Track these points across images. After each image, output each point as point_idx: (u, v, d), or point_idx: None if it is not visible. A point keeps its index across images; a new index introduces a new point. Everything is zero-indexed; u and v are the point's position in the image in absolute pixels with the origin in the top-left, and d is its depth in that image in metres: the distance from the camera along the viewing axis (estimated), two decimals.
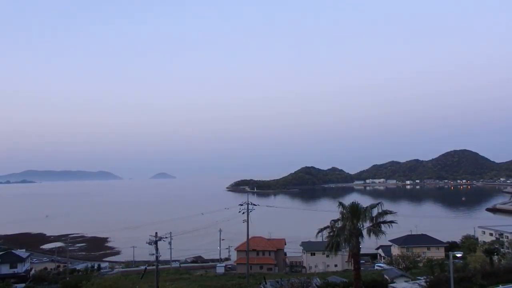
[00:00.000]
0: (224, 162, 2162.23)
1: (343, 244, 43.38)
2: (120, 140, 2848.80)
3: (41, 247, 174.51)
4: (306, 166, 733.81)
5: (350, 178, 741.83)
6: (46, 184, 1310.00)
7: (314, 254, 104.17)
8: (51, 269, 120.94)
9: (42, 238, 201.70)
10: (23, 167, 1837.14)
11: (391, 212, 43.47)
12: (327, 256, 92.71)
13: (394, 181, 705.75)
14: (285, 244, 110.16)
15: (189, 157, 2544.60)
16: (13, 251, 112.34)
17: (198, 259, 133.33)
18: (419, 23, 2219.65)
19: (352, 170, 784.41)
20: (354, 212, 42.95)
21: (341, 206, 44.56)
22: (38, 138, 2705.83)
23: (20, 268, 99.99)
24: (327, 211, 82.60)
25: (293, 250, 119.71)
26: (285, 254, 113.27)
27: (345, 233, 42.37)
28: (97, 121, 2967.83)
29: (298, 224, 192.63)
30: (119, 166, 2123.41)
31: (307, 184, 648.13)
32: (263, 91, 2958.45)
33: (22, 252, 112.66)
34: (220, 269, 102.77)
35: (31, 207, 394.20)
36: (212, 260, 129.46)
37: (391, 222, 42.71)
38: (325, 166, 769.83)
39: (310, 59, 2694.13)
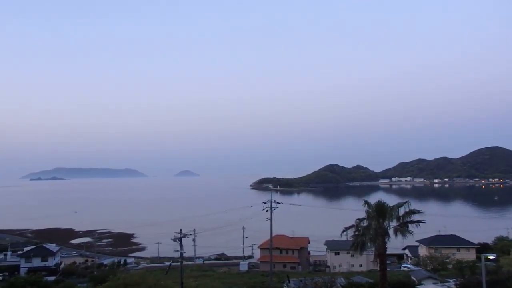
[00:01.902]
0: (248, 160, 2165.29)
1: (369, 244, 42.63)
2: (145, 138, 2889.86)
3: (70, 242, 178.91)
4: (329, 164, 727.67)
5: (375, 176, 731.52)
6: (75, 181, 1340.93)
7: (338, 254, 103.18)
8: (79, 263, 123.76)
9: (71, 233, 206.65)
10: (53, 165, 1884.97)
11: (418, 212, 42.47)
12: (352, 255, 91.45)
13: (421, 180, 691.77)
14: (309, 243, 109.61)
15: (213, 155, 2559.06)
16: (44, 245, 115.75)
17: (221, 256, 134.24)
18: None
19: (377, 168, 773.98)
20: (380, 211, 42.15)
21: (366, 205, 43.78)
22: (67, 137, 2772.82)
23: (51, 262, 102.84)
24: (351, 210, 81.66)
25: (316, 249, 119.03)
26: (309, 252, 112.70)
27: (371, 232, 41.68)
28: (123, 120, 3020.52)
29: (322, 223, 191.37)
30: (144, 164, 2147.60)
31: (331, 182, 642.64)
32: (285, 87, 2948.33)
33: (52, 246, 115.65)
34: (243, 267, 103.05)
35: (60, 203, 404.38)
36: (236, 258, 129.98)
37: (419, 221, 41.73)
38: (349, 164, 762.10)
39: (330, 51, 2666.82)
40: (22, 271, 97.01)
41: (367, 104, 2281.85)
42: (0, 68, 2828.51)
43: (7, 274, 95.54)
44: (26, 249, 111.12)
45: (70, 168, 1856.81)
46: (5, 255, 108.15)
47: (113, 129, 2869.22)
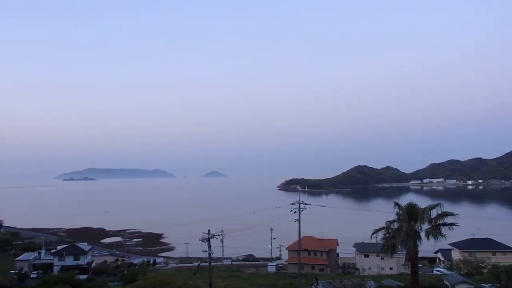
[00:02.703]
0: (276, 160, 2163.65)
1: (399, 247, 41.73)
2: (175, 139, 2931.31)
3: (101, 241, 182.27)
4: (358, 165, 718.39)
5: (406, 177, 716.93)
6: (106, 181, 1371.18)
7: (367, 256, 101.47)
8: (110, 262, 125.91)
9: (102, 232, 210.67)
10: (85, 165, 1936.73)
11: (451, 214, 41.16)
12: (382, 258, 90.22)
13: (454, 181, 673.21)
14: (338, 245, 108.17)
15: (240, 155, 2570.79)
16: (76, 244, 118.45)
17: (249, 257, 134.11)
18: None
19: (407, 169, 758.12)
20: (411, 213, 41.17)
21: (397, 207, 42.90)
22: (99, 138, 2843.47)
23: (83, 260, 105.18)
24: (381, 212, 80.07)
25: (345, 251, 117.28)
26: (338, 254, 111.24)
27: (402, 235, 40.75)
28: (153, 121, 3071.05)
29: (351, 225, 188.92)
30: (173, 164, 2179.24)
31: (360, 183, 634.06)
32: (311, 86, 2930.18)
33: (84, 245, 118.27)
34: (271, 268, 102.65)
35: (92, 203, 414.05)
36: (263, 259, 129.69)
37: (452, 224, 40.50)
38: (378, 165, 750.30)
39: (356, 50, 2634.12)
40: (56, 269, 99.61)
41: (397, 103, 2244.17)
42: (36, 72, 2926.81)
43: (41, 272, 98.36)
44: (59, 247, 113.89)
45: (101, 168, 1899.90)
46: (39, 253, 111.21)
47: (143, 131, 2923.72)
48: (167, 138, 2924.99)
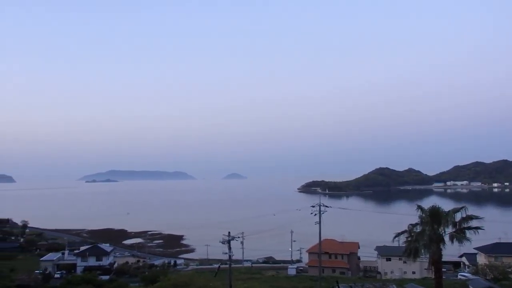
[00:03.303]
0: (295, 162, 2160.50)
1: (422, 250, 40.99)
2: (195, 141, 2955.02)
3: (122, 242, 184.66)
4: (380, 167, 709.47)
5: (429, 179, 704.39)
6: (127, 183, 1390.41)
7: (389, 260, 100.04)
8: (131, 263, 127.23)
9: (124, 233, 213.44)
10: (108, 167, 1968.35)
11: (476, 217, 40.22)
12: (404, 262, 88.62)
13: (479, 183, 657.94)
14: (359, 248, 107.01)
15: (260, 157, 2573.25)
16: (98, 245, 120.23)
17: (269, 260, 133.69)
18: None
19: (430, 171, 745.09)
20: (435, 216, 40.33)
21: (420, 210, 42.11)
22: (120, 140, 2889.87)
23: (105, 261, 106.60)
24: (403, 215, 79.00)
25: (367, 254, 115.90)
26: (359, 258, 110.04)
27: (425, 238, 40.00)
28: (173, 124, 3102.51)
29: (372, 228, 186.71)
30: (194, 166, 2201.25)
31: (381, 185, 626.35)
32: (330, 87, 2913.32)
33: (106, 246, 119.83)
34: (291, 271, 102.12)
35: (114, 204, 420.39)
36: (284, 261, 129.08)
37: (477, 228, 39.52)
38: (400, 167, 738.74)
39: (376, 48, 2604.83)
40: (79, 270, 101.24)
41: (420, 103, 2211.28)
42: (63, 77, 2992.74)
43: (65, 272, 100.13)
44: (82, 248, 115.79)
45: (123, 170, 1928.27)
46: (63, 254, 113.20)
47: (163, 133, 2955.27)
48: (188, 140, 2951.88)
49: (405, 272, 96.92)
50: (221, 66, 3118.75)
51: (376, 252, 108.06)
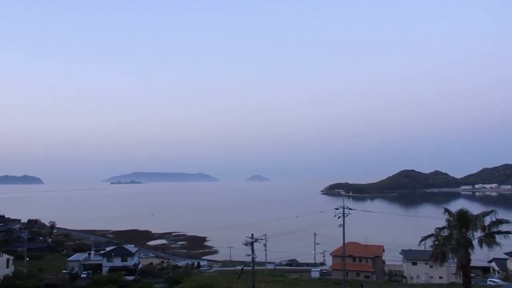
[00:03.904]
0: (319, 164, 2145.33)
1: (450, 255, 40.07)
2: (218, 143, 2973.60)
3: (147, 243, 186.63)
4: (405, 169, 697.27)
5: (456, 182, 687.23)
6: (151, 184, 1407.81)
7: (415, 264, 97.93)
8: (156, 264, 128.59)
9: (148, 234, 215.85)
10: (132, 169, 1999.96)
11: (507, 221, 39.06)
12: (431, 266, 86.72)
13: (509, 186, 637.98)
14: (383, 251, 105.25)
15: (283, 159, 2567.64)
16: (123, 245, 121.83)
17: (292, 262, 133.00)
18: None
19: (458, 173, 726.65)
20: (463, 220, 39.38)
21: (447, 213, 41.23)
22: (145, 143, 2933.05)
23: (130, 262, 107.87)
24: (430, 218, 77.29)
25: (392, 258, 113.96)
26: (384, 261, 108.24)
27: (452, 242, 39.15)
28: (196, 126, 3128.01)
29: (397, 231, 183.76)
30: (217, 168, 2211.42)
31: (407, 188, 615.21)
32: (358, 88, 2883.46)
33: (131, 247, 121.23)
34: (315, 274, 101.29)
35: (138, 206, 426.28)
36: (307, 264, 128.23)
37: (507, 232, 38.43)
38: (426, 170, 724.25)
39: (397, 47, 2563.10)
40: (104, 270, 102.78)
41: (446, 104, 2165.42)
42: (93, 81, 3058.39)
43: (91, 272, 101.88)
44: (107, 249, 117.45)
45: (147, 172, 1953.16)
46: (89, 254, 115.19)
47: (187, 135, 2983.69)
48: (211, 142, 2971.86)
49: (431, 277, 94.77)
50: (243, 67, 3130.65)
51: (401, 256, 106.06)
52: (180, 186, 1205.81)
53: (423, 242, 45.77)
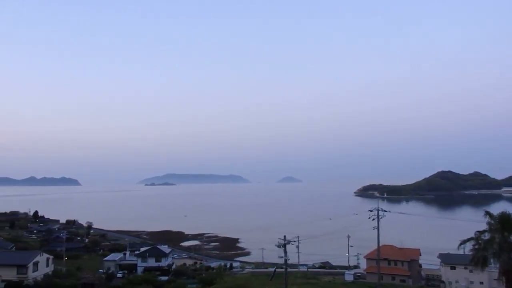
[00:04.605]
0: (352, 165, 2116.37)
1: (491, 259, 38.49)
2: (250, 144, 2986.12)
3: (180, 244, 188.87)
4: (442, 170, 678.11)
5: (497, 184, 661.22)
6: (184, 186, 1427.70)
7: (454, 268, 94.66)
8: (189, 265, 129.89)
9: (182, 235, 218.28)
10: (165, 171, 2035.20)
11: None
12: (471, 271, 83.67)
13: None
14: (420, 255, 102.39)
15: (315, 161, 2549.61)
16: (157, 246, 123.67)
17: (325, 265, 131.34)
18: None
19: (499, 175, 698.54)
20: (505, 223, 37.80)
21: (488, 216, 39.63)
22: (177, 145, 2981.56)
23: (164, 262, 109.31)
24: (469, 221, 74.69)
25: (428, 262, 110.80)
26: (420, 265, 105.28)
27: (494, 246, 37.70)
28: (227, 127, 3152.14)
29: (435, 234, 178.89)
30: (248, 170, 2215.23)
31: (444, 190, 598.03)
32: (394, 92, 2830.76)
33: (165, 248, 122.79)
34: (348, 277, 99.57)
35: (172, 207, 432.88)
36: (340, 267, 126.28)
37: None
38: (465, 171, 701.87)
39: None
40: (139, 270, 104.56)
41: (484, 100, 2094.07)
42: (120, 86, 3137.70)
43: (126, 272, 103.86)
44: (142, 249, 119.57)
45: (180, 174, 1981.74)
46: (125, 254, 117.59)
47: (218, 136, 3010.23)
48: (243, 143, 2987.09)
49: (471, 282, 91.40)
50: (266, 66, 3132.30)
51: (439, 259, 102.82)
52: (212, 187, 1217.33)
53: (462, 246, 44.17)
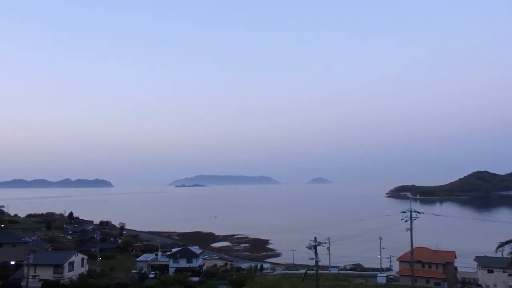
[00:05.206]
0: (383, 166, 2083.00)
1: None
2: (279, 145, 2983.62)
3: (211, 245, 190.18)
4: (478, 171, 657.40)
5: None
6: (214, 187, 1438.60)
7: (492, 271, 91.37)
8: (219, 266, 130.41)
9: (212, 237, 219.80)
10: (195, 172, 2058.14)
11: None
12: (510, 275, 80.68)
13: None
14: (455, 257, 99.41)
15: (346, 161, 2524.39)
16: (188, 247, 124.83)
17: (357, 267, 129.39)
18: None
19: None
20: None
21: None
22: (207, 146, 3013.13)
23: (195, 263, 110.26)
24: (507, 223, 71.95)
25: (464, 265, 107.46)
26: (456, 268, 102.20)
27: None
28: (257, 128, 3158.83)
29: (470, 236, 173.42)
30: (278, 171, 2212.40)
31: (480, 190, 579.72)
32: (425, 91, 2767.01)
33: (196, 249, 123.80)
34: (381, 279, 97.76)
35: (202, 208, 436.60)
36: (372, 269, 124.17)
37: None
38: (502, 171, 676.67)
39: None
40: (171, 271, 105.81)
41: None
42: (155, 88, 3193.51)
43: (158, 272, 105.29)
44: (173, 250, 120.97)
45: (209, 175, 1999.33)
46: (156, 255, 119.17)
47: (247, 137, 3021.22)
48: (272, 144, 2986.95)
49: (510, 286, 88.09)
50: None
51: (475, 262, 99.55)
52: (242, 188, 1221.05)
53: (500, 248, 42.60)
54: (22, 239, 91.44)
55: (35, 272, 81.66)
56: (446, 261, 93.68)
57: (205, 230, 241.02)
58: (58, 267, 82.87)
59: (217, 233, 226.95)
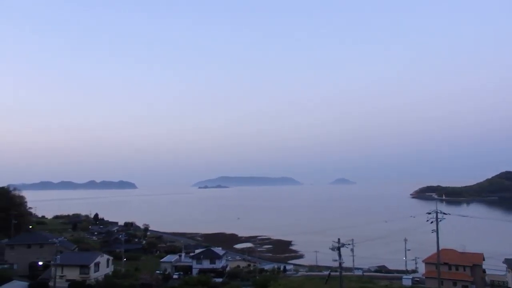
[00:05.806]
0: (407, 166, 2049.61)
1: None
2: (302, 145, 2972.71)
3: (234, 246, 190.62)
4: (507, 171, 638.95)
5: None
6: (236, 188, 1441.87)
7: None
8: (242, 267, 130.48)
9: (235, 238, 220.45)
10: (218, 174, 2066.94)
11: None
12: None
13: None
14: (483, 260, 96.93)
15: (369, 162, 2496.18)
16: (211, 248, 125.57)
17: (382, 269, 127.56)
18: None
19: None
20: None
21: None
22: (230, 147, 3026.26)
23: (218, 264, 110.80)
24: None
25: (493, 267, 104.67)
26: (484, 271, 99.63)
27: None
28: (279, 129, 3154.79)
29: (499, 238, 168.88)
30: (300, 172, 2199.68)
31: (509, 191, 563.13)
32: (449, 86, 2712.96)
33: (219, 250, 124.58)
34: (406, 281, 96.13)
35: (225, 209, 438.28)
36: (397, 271, 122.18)
37: None
38: None
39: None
40: (194, 271, 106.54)
41: None
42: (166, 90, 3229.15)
43: (182, 273, 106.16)
44: (197, 251, 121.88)
45: (232, 176, 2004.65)
46: (180, 256, 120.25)
47: (270, 138, 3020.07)
48: (295, 144, 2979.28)
49: None
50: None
51: (504, 265, 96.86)
52: (265, 189, 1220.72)
53: None
54: (50, 240, 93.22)
55: (62, 272, 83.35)
56: (473, 263, 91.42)
57: (228, 231, 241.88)
58: (84, 268, 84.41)
59: (240, 234, 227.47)
